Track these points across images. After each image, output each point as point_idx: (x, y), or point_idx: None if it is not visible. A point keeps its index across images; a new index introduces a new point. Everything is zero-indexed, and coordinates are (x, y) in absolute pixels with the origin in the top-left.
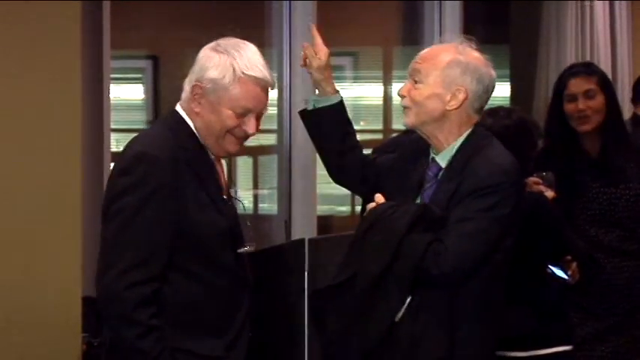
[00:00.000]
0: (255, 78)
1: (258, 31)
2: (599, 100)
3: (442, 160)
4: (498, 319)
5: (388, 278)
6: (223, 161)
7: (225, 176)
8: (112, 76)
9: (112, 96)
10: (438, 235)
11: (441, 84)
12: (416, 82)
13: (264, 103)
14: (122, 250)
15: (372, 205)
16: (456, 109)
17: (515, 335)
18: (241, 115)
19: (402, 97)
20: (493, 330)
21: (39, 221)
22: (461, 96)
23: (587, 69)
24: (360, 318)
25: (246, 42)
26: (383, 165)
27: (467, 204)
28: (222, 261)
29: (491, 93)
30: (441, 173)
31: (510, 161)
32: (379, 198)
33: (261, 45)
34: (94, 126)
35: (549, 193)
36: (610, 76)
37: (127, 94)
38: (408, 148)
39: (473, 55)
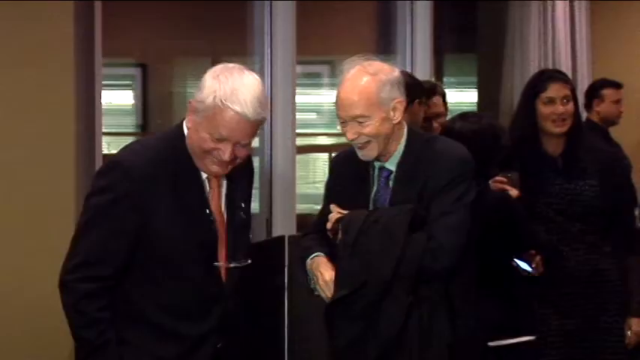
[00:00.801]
0: (231, 110)
1: (242, 40)
2: (571, 105)
3: (391, 164)
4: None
5: (393, 280)
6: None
7: (224, 191)
8: (104, 82)
9: (103, 101)
10: (426, 233)
11: (382, 109)
12: (360, 122)
13: (244, 134)
14: (81, 246)
15: (333, 215)
16: (401, 120)
17: (482, 326)
18: (218, 140)
19: (354, 139)
20: (478, 304)
21: (32, 222)
22: (400, 106)
23: (563, 76)
24: (372, 321)
25: (244, 71)
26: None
27: (442, 198)
28: (188, 274)
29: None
30: (392, 176)
31: (463, 150)
32: (335, 208)
33: (245, 53)
34: (87, 129)
35: (514, 192)
36: (570, 77)
37: (117, 99)
38: (345, 172)
39: (383, 67)
